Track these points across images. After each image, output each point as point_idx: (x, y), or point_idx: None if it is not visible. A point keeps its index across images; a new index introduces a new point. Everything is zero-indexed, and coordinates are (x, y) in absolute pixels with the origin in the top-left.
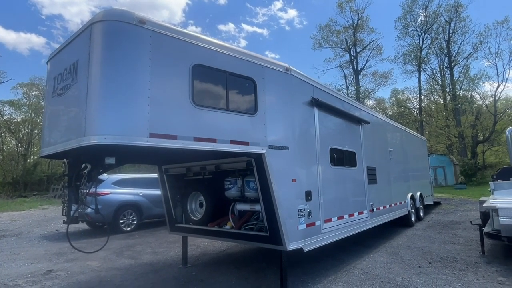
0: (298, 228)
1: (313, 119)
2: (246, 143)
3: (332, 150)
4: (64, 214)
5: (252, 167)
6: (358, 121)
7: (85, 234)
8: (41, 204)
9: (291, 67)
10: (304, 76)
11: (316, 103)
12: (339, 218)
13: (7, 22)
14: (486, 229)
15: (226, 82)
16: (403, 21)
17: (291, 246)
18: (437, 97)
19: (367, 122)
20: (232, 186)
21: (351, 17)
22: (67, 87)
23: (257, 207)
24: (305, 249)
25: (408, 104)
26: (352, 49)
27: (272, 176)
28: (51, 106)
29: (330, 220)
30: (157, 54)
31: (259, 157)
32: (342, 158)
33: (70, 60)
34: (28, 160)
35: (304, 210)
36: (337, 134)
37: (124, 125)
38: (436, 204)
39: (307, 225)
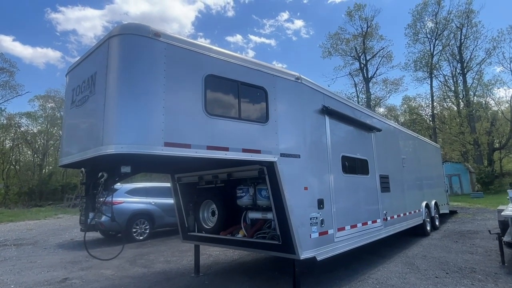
0: (311, 237)
1: (324, 127)
2: (258, 151)
3: (344, 158)
4: (81, 222)
5: (264, 175)
6: (369, 128)
7: (99, 243)
8: (56, 213)
9: (302, 76)
10: (315, 84)
11: (327, 111)
12: (352, 226)
13: (24, 38)
14: (506, 238)
15: (238, 92)
16: (413, 28)
17: (304, 254)
18: (450, 103)
19: (378, 130)
20: (244, 194)
21: (360, 25)
22: (85, 98)
23: (269, 215)
24: (318, 258)
25: (421, 111)
26: (361, 56)
27: (284, 184)
28: (70, 117)
29: (343, 228)
30: (171, 66)
31: (271, 165)
32: (354, 166)
33: (88, 73)
34: (44, 170)
35: (316, 219)
36: (349, 142)
37: (140, 134)
38: (452, 213)
39: (320, 234)
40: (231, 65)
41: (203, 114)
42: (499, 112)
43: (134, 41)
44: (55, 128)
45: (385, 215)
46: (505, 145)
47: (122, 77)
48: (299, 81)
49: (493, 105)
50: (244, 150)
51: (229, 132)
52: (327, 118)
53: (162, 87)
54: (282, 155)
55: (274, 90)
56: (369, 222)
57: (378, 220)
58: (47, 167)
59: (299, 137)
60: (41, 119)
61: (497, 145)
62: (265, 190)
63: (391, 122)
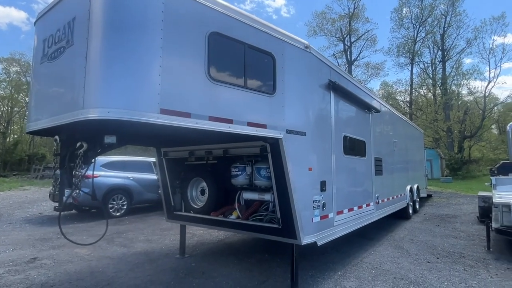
0: (312, 221)
1: (329, 104)
2: (264, 126)
3: (345, 139)
4: (54, 199)
5: (267, 153)
6: (368, 108)
7: (72, 219)
8: (21, 185)
9: (310, 45)
10: (322, 56)
11: (333, 87)
12: (349, 210)
13: None
14: (495, 224)
15: (245, 56)
16: (398, 12)
17: (305, 240)
18: (426, 90)
19: (377, 110)
20: (240, 173)
21: (348, 5)
22: (60, 50)
23: (267, 197)
24: (319, 243)
25: (398, 97)
26: (346, 38)
27: (289, 163)
28: (40, 73)
29: (342, 212)
30: (170, 16)
31: (275, 142)
32: (353, 147)
33: (65, 19)
34: (8, 139)
35: (319, 202)
36: (350, 122)
37: (131, 97)
38: (428, 196)
39: (321, 218)
40: (238, 23)
41: (205, 79)
42: (474, 101)
43: None
44: (21, 94)
45: (377, 198)
46: (475, 134)
47: (109, 24)
48: (308, 50)
49: (465, 95)
50: (249, 124)
51: (234, 102)
52: (332, 94)
53: (159, 41)
54: (288, 131)
55: (283, 57)
56: (364, 206)
57: (371, 204)
58: (12, 135)
59: (306, 113)
60: (4, 83)
61: (468, 133)
62: (265, 169)
63: (387, 104)
